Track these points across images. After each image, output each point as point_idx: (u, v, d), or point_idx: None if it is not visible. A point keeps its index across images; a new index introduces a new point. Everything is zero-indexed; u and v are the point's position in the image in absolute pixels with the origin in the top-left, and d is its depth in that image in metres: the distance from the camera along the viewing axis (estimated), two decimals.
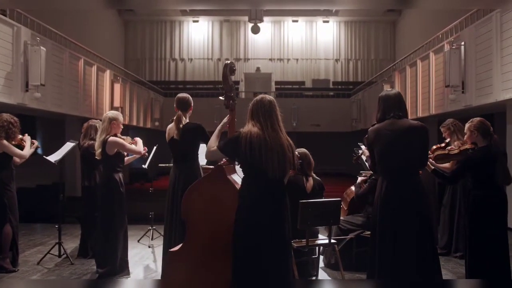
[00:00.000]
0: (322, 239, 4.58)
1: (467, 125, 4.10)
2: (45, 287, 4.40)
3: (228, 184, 3.20)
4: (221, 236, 3.10)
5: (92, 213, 5.16)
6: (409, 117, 10.07)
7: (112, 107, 11.27)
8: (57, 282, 4.68)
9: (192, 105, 4.52)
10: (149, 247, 6.36)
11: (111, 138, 4.52)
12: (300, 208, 4.12)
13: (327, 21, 19.20)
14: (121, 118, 4.73)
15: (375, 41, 19.22)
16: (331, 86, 18.95)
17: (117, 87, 11.46)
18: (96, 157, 4.59)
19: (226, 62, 3.42)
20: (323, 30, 19.35)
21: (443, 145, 4.78)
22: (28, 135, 5.29)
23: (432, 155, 4.04)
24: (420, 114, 9.63)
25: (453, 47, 7.59)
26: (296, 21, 19.34)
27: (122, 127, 4.74)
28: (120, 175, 4.62)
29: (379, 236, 3.33)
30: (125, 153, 4.74)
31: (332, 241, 4.43)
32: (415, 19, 15.96)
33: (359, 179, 5.17)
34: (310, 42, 19.42)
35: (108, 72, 11.41)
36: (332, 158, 16.11)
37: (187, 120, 4.43)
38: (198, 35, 19.49)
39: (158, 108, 15.63)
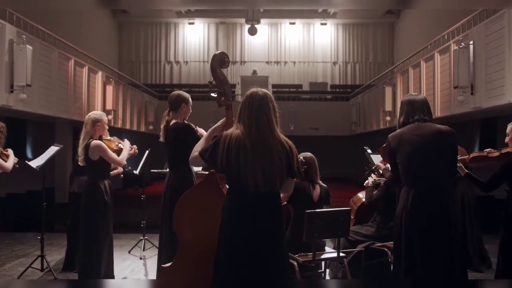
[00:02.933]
0: (330, 252, 4.18)
1: (509, 127, 3.76)
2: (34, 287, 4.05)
3: (220, 195, 2.79)
4: (214, 251, 2.70)
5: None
6: None
7: (104, 110, 10.85)
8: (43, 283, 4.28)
9: (186, 103, 4.05)
10: (141, 258, 5.96)
11: (94, 142, 4.12)
12: (306, 219, 3.73)
13: (325, 24, 18.89)
14: (105, 118, 4.32)
15: (373, 43, 18.94)
16: (329, 89, 18.65)
17: (110, 89, 11.05)
18: (79, 163, 4.19)
19: (215, 53, 3.02)
20: (321, 33, 19.04)
21: None
22: (14, 145, 4.84)
23: (466, 157, 3.64)
24: None
25: (461, 47, 7.24)
26: (294, 23, 19.03)
27: (108, 127, 4.33)
28: (106, 182, 4.21)
29: (405, 251, 2.95)
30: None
31: (341, 254, 4.04)
32: (414, 21, 15.67)
33: (370, 183, 4.78)
34: (307, 45, 19.09)
35: (100, 73, 11.00)
36: (331, 162, 15.74)
37: (177, 120, 4.00)
38: (193, 37, 19.13)
39: (152, 111, 15.24)
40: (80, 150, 4.16)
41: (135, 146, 4.50)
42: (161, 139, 4.00)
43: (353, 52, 19.09)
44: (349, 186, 14.46)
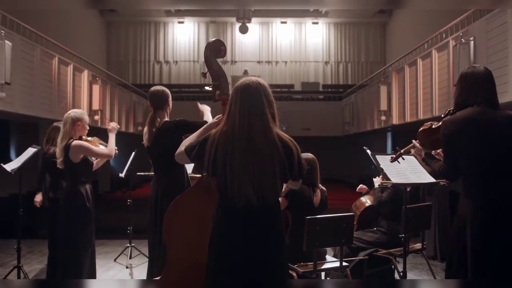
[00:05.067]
0: (331, 261, 3.88)
1: None
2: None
3: (214, 201, 2.37)
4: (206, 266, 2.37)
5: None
6: (409, 120, 9.31)
7: (91, 110, 10.48)
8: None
9: (170, 98, 3.65)
10: (127, 267, 5.60)
11: (75, 142, 3.76)
12: (306, 226, 3.41)
13: (316, 23, 18.68)
14: (86, 118, 3.95)
15: (365, 43, 18.76)
16: (320, 89, 18.42)
17: (96, 88, 10.64)
18: (58, 165, 3.82)
19: (209, 41, 2.67)
20: (313, 32, 18.82)
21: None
22: None
23: None
24: (421, 116, 9.02)
25: (461, 43, 6.97)
26: (285, 22, 18.79)
27: (88, 128, 3.97)
28: (87, 187, 3.85)
29: (472, 260, 2.51)
30: (93, 159, 3.97)
31: (344, 263, 3.73)
32: (406, 20, 15.48)
33: (377, 185, 4.48)
34: (299, 44, 18.87)
35: (86, 72, 10.60)
36: (323, 163, 15.43)
37: (166, 119, 3.58)
38: (183, 36, 18.81)
39: (141, 111, 14.86)
40: (58, 151, 3.79)
41: (115, 147, 4.12)
42: (146, 143, 3.55)
43: (345, 52, 18.91)
44: (343, 188, 14.20)
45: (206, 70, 2.66)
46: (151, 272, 3.61)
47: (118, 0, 10.02)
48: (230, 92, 2.65)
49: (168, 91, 3.68)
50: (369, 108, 12.90)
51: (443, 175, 2.78)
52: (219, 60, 2.78)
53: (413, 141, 3.02)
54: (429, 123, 2.93)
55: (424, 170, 3.58)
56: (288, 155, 2.11)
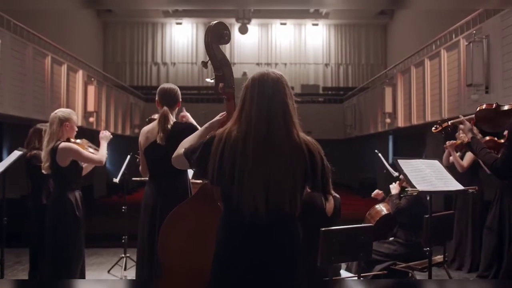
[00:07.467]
0: (348, 277, 3.52)
1: None
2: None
3: (217, 214, 2.03)
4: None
5: (41, 240, 3.94)
6: (416, 122, 8.93)
7: (86, 112, 10.13)
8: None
9: (180, 101, 3.30)
10: (121, 279, 5.23)
11: (63, 144, 3.40)
12: (322, 239, 3.06)
13: (316, 24, 18.42)
14: (75, 118, 3.61)
15: (366, 45, 18.50)
16: (321, 91, 18.13)
17: (91, 89, 10.28)
18: (43, 170, 3.46)
19: (209, 25, 2.26)
20: (312, 34, 18.57)
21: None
22: None
23: None
24: (429, 118, 8.69)
25: (475, 41, 6.65)
26: (285, 24, 18.52)
27: (77, 129, 3.62)
28: (77, 193, 3.49)
29: None
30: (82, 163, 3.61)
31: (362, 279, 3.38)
32: (407, 22, 15.21)
33: (394, 192, 4.13)
34: (299, 46, 18.62)
35: (80, 72, 10.24)
36: None
37: (174, 120, 3.21)
38: (181, 38, 18.51)
39: (138, 114, 14.52)
40: (44, 155, 3.43)
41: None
42: (160, 142, 3.10)
43: (345, 54, 18.66)
44: (344, 192, 13.86)
45: (207, 59, 2.28)
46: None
47: (115, 0, 9.77)
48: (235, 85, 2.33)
49: (179, 92, 3.32)
50: (372, 111, 12.59)
51: (495, 170, 2.47)
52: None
53: (461, 116, 2.70)
54: (494, 103, 2.61)
55: (451, 176, 3.25)
56: (313, 158, 1.79)
